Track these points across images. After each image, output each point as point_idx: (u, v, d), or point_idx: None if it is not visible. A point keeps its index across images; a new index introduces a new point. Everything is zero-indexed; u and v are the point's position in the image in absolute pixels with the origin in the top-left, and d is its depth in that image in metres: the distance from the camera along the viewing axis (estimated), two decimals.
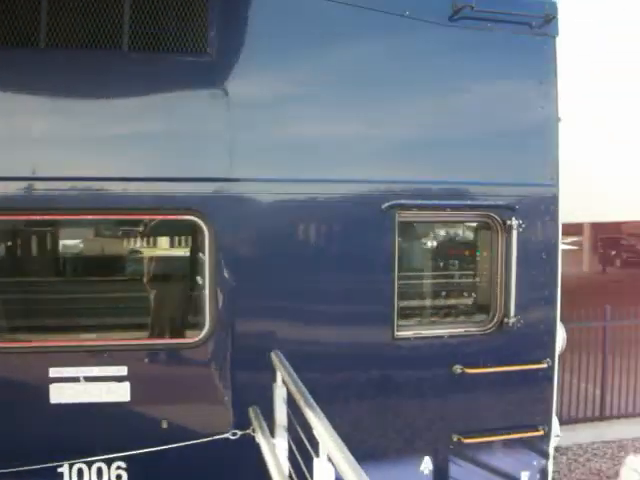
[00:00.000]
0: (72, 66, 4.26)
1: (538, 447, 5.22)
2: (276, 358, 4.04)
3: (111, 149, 4.25)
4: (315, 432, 3.03)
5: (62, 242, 5.56)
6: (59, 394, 4.27)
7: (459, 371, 4.92)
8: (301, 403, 3.32)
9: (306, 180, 4.58)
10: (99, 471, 4.40)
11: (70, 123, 4.22)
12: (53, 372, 4.26)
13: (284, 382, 3.80)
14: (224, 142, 4.35)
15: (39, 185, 4.14)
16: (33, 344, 4.31)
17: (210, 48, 4.38)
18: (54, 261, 5.92)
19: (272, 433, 4.04)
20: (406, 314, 4.93)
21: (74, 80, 4.24)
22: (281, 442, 4.00)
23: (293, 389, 3.53)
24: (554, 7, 5.01)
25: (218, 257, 4.35)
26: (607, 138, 11.37)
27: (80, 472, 4.38)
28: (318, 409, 3.14)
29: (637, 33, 11.43)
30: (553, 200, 5.06)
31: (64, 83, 4.24)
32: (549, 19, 4.96)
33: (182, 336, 4.48)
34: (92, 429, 4.37)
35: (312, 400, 3.26)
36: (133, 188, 4.25)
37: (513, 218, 4.86)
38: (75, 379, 4.29)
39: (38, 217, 4.38)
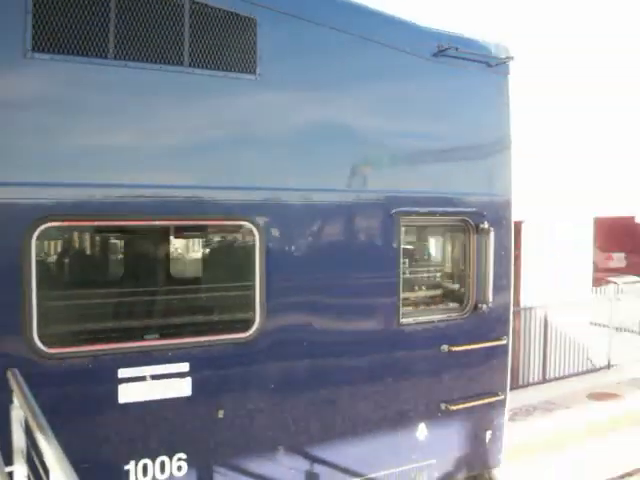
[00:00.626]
0: (150, 84, 4.52)
1: (498, 409, 6.38)
2: (13, 377, 3.72)
3: (183, 161, 4.58)
4: (45, 459, 2.78)
5: (130, 248, 5.56)
6: (127, 394, 4.47)
7: (446, 349, 5.90)
8: (33, 426, 3.08)
9: (335, 190, 5.26)
10: (162, 465, 4.66)
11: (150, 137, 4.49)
12: (121, 373, 4.45)
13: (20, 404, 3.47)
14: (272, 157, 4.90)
15: (121, 193, 4.35)
16: (103, 347, 4.45)
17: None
18: (121, 266, 5.85)
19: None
20: (405, 304, 5.78)
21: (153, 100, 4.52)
22: (19, 469, 3.60)
23: (27, 412, 3.27)
24: (507, 50, 6.22)
25: (266, 259, 4.85)
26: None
27: (145, 467, 4.60)
28: (51, 433, 2.92)
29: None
30: (508, 206, 6.27)
31: (146, 101, 4.50)
32: (505, 60, 6.16)
33: (236, 332, 4.87)
34: (156, 424, 4.62)
35: (45, 424, 3.05)
36: (197, 196, 4.62)
37: (485, 221, 5.96)
38: (141, 378, 4.52)
39: (115, 223, 4.54)
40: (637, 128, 19.19)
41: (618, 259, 28.87)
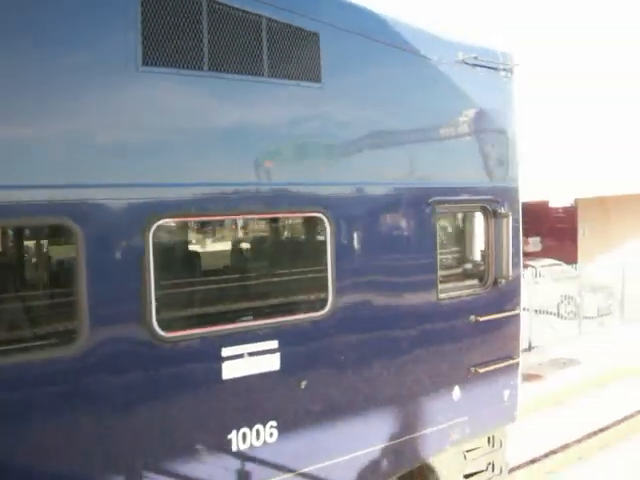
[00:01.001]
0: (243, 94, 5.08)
1: (514, 371, 7.29)
2: None
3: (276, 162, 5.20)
4: None
5: (230, 239, 6.01)
6: (229, 370, 5.04)
7: (473, 320, 6.74)
8: None
9: (387, 184, 5.98)
10: (257, 432, 5.25)
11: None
12: (225, 352, 5.01)
13: None
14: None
15: (222, 190, 4.91)
16: (210, 329, 4.99)
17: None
18: (222, 258, 6.26)
19: None
20: (441, 282, 6.56)
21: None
22: None
23: None
24: (513, 57, 7.10)
25: (337, 245, 5.52)
26: None
27: (244, 435, 5.18)
28: None
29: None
30: (517, 193, 7.16)
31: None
32: (511, 65, 7.03)
33: (314, 311, 5.50)
34: (252, 397, 5.20)
35: None
36: (286, 192, 5.26)
37: (502, 207, 6.83)
38: (240, 356, 5.09)
39: (215, 218, 5.08)
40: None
41: (534, 243, 29.74)
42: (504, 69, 7.01)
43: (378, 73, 6.00)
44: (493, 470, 7.42)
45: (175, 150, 4.76)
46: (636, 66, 20.62)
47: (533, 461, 9.59)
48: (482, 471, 7.33)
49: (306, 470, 5.48)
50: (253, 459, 5.21)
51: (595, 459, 10.09)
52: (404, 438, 6.22)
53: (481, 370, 6.82)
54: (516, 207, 7.13)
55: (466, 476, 7.17)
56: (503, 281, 6.89)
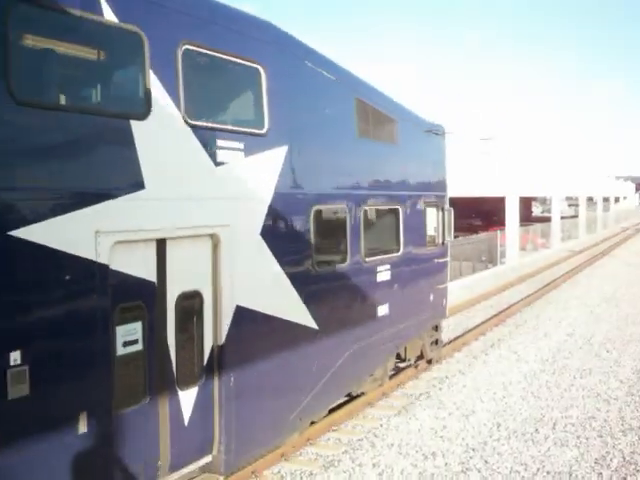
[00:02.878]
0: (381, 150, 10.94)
1: (446, 290, 14.09)
2: None
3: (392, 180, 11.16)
4: None
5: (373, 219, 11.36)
6: (379, 277, 10.88)
7: (436, 261, 13.32)
8: None
9: (413, 193, 12.28)
10: (384, 306, 11.10)
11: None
12: (379, 269, 10.86)
13: None
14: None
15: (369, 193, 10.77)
16: (373, 258, 10.78)
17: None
18: (367, 225, 11.44)
19: None
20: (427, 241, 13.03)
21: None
22: None
23: None
24: (445, 128, 13.90)
25: (403, 222, 11.64)
26: None
27: (382, 307, 11.01)
28: None
29: None
30: (447, 197, 13.98)
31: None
32: (444, 131, 13.83)
33: (396, 252, 11.49)
34: (383, 289, 11.08)
35: None
36: (391, 195, 11.26)
37: (443, 205, 13.56)
38: (381, 270, 10.97)
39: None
40: None
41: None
42: (442, 134, 13.77)
43: (412, 140, 12.27)
44: (437, 344, 14.12)
45: (354, 175, 10.50)
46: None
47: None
48: (432, 343, 13.95)
49: (401, 326, 11.53)
50: (383, 317, 11.02)
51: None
52: (424, 316, 12.63)
53: (437, 287, 13.45)
54: (448, 205, 13.93)
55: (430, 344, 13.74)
56: (444, 242, 13.63)
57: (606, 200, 72.90)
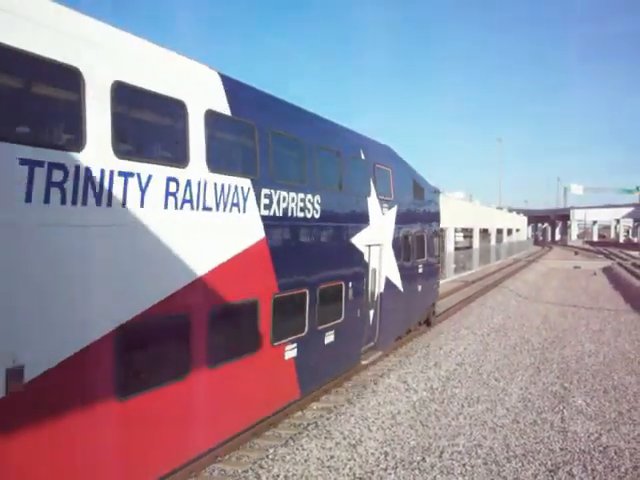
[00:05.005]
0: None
1: (438, 281, 24.24)
2: None
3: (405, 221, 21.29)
4: None
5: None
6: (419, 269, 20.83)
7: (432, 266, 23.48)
8: None
9: (428, 227, 22.42)
10: (410, 282, 21.01)
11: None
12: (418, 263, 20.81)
13: None
14: None
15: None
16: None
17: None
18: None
19: None
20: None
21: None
22: None
23: None
24: (439, 189, 24.24)
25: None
26: None
27: (405, 283, 20.95)
28: None
29: None
30: (440, 228, 24.22)
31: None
32: (438, 191, 24.13)
33: (424, 257, 21.45)
34: (412, 270, 21.01)
35: None
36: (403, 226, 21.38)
37: (439, 232, 23.76)
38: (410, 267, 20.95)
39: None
40: None
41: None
42: (437, 192, 24.07)
43: (429, 197, 22.38)
44: (434, 314, 24.19)
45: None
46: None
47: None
48: (432, 313, 23.97)
49: (427, 296, 21.64)
50: (422, 291, 20.94)
51: None
52: (432, 293, 22.94)
53: (436, 280, 23.68)
54: (440, 233, 24.17)
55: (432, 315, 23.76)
56: (438, 255, 23.88)
57: (499, 232, 76.68)
